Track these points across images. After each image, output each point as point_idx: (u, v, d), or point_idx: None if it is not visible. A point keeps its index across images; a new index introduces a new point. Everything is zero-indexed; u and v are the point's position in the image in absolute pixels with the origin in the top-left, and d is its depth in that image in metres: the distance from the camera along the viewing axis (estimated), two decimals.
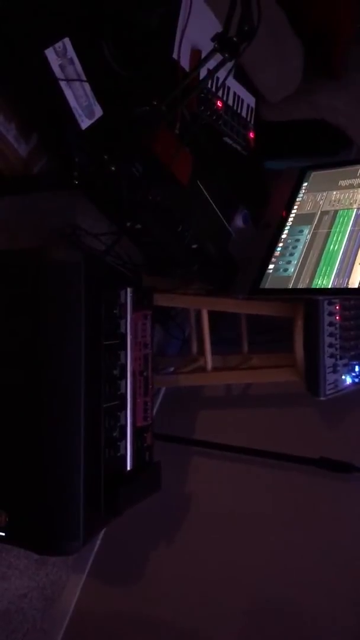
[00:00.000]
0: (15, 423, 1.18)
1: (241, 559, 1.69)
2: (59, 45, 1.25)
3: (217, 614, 1.64)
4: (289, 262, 1.55)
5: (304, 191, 1.73)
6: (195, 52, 1.53)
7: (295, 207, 1.70)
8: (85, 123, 1.32)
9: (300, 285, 1.48)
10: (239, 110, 1.73)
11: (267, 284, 1.55)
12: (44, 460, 1.15)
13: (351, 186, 1.63)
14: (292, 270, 1.53)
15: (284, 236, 1.63)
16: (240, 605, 1.62)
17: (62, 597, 1.82)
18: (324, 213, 1.61)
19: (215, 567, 1.71)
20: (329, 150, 2.09)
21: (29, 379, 1.18)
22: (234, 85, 1.71)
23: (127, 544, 1.84)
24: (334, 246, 1.50)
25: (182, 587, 1.72)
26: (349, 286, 1.41)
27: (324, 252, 1.51)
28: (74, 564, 1.85)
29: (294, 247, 1.58)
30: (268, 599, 1.61)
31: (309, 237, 1.58)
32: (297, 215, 1.68)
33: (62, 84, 1.26)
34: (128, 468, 1.30)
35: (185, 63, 1.50)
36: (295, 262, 1.54)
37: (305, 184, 1.75)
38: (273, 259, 1.59)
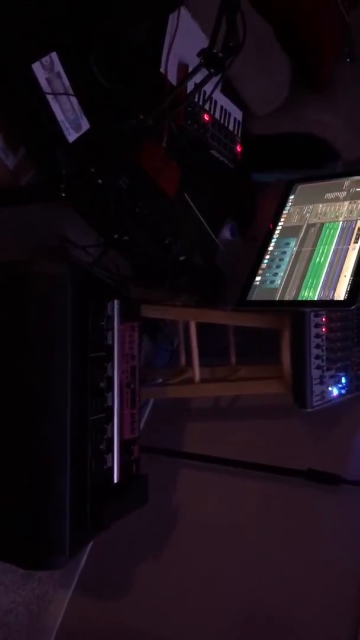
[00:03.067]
0: (0, 436, 1.18)
1: (229, 572, 1.68)
2: (46, 59, 1.26)
3: (207, 627, 1.62)
4: (275, 274, 1.56)
5: (290, 204, 1.75)
6: (183, 67, 1.54)
7: (282, 219, 1.71)
8: (72, 136, 1.32)
9: (287, 297, 1.49)
10: (226, 124, 1.74)
11: (254, 295, 1.55)
12: (29, 473, 1.15)
13: (337, 199, 1.65)
14: (279, 282, 1.54)
15: (270, 248, 1.64)
16: (230, 618, 1.61)
17: (49, 612, 1.79)
18: (310, 226, 1.63)
19: (204, 580, 1.69)
20: (316, 163, 2.11)
21: (14, 392, 1.17)
22: (221, 99, 1.72)
23: (115, 557, 1.82)
24: (320, 259, 1.51)
25: (170, 600, 1.70)
26: (335, 298, 1.42)
27: (310, 264, 1.52)
28: (60, 578, 1.83)
29: (281, 260, 1.59)
30: (256, 611, 1.60)
31: (295, 249, 1.59)
32: (283, 227, 1.69)
33: (49, 97, 1.27)
34: (115, 481, 1.30)
35: (172, 77, 1.51)
36: (281, 274, 1.55)
37: (292, 197, 1.76)
38: (260, 271, 1.60)
